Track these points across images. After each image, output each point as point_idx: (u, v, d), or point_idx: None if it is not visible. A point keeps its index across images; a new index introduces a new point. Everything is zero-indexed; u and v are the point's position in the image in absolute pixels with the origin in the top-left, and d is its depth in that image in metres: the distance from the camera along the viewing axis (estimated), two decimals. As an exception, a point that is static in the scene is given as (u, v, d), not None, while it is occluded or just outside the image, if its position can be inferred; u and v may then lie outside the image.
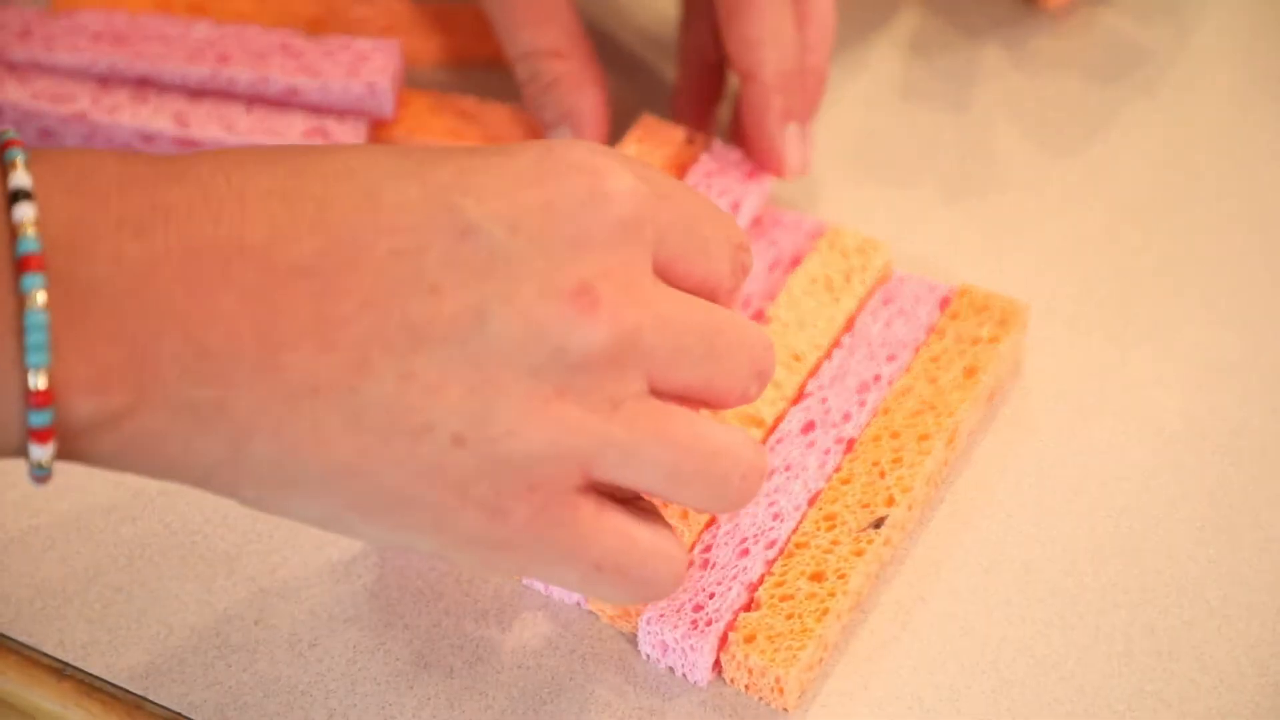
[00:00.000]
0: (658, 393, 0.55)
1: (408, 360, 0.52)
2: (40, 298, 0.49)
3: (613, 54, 0.84)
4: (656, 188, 0.56)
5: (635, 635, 0.64)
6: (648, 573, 0.56)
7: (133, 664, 0.64)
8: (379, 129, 0.78)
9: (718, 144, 0.75)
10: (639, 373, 0.54)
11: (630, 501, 0.56)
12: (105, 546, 0.67)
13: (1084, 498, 0.69)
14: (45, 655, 0.65)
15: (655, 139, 0.75)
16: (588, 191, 0.53)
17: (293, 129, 0.76)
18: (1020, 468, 0.70)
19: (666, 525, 0.57)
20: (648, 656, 0.64)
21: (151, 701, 0.63)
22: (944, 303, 0.72)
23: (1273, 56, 0.85)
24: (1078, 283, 0.76)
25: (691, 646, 0.62)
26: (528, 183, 0.53)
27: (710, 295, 0.57)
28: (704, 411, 0.59)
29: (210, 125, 0.75)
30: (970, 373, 0.70)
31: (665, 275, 0.56)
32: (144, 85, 0.76)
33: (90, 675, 0.64)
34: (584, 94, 0.74)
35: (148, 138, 0.75)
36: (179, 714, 0.63)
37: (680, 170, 0.74)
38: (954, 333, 0.71)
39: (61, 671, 0.64)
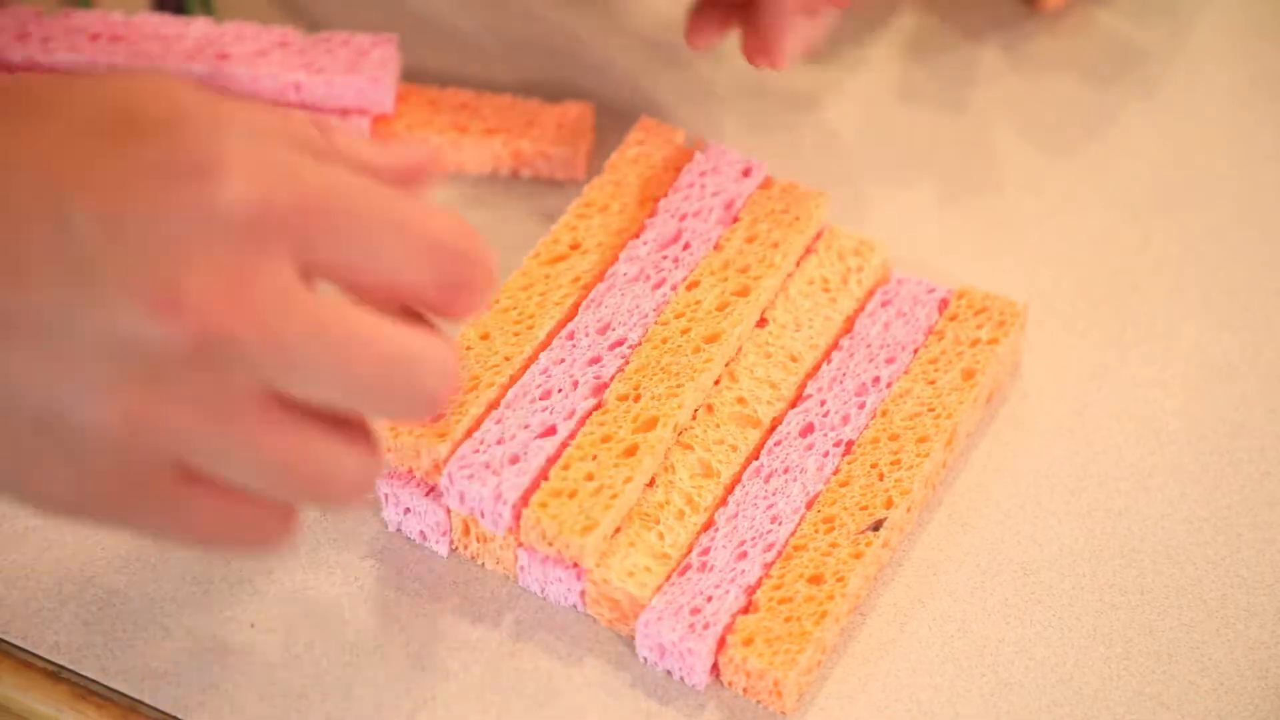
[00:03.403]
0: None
1: None
2: None
3: (613, 54, 0.84)
4: (303, 184, 0.54)
5: (633, 638, 0.64)
6: (243, 540, 0.56)
7: (128, 667, 0.64)
8: (379, 124, 0.78)
9: (713, 144, 0.75)
10: (243, 377, 0.53)
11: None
12: (101, 549, 0.67)
13: (1082, 499, 0.69)
14: (40, 658, 0.64)
15: (655, 140, 0.75)
16: (203, 197, 0.52)
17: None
18: (1018, 469, 0.70)
19: (256, 500, 0.56)
20: (645, 659, 0.64)
21: (147, 705, 0.63)
22: (942, 305, 0.72)
23: (1270, 57, 0.85)
24: (1076, 284, 0.76)
25: (689, 649, 0.62)
26: (142, 177, 0.53)
27: (411, 304, 0.56)
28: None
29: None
30: (969, 374, 0.69)
31: (338, 280, 0.54)
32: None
33: (85, 678, 0.64)
34: None
35: None
36: (174, 717, 0.63)
37: (675, 169, 0.74)
38: (952, 334, 0.71)
39: (56, 675, 0.64)
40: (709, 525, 0.65)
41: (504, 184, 0.79)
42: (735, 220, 0.72)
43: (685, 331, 0.69)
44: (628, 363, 0.68)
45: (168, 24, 0.77)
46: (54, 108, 0.54)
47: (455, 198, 0.78)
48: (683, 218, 0.72)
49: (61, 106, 0.54)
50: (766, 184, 0.74)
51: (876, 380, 0.69)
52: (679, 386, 0.67)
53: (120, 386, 0.53)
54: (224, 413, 0.53)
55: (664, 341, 0.68)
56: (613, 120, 0.81)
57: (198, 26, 0.77)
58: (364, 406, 0.54)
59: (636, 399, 0.67)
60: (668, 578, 0.64)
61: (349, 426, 0.55)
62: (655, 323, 0.69)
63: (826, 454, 0.67)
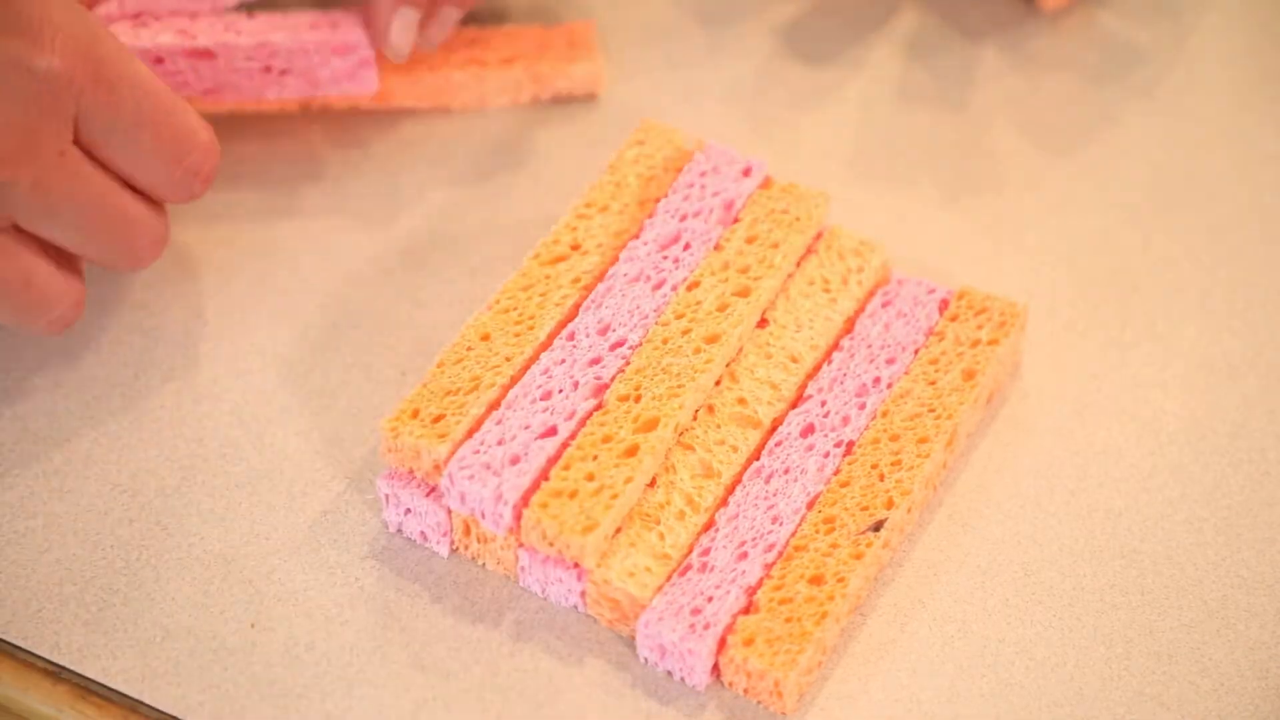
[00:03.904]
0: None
1: None
2: None
3: (611, 53, 0.84)
4: (100, 70, 0.65)
5: (634, 638, 0.64)
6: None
7: (128, 667, 0.64)
8: (395, 70, 0.80)
9: (712, 144, 0.75)
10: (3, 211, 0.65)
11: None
12: (101, 549, 0.67)
13: (1083, 499, 0.69)
14: (40, 658, 0.64)
15: (655, 140, 0.75)
16: (22, 55, 0.63)
17: (301, 22, 0.76)
18: (1019, 469, 0.70)
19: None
20: (646, 660, 0.64)
21: (147, 705, 0.63)
22: (943, 305, 0.72)
23: (1270, 57, 0.85)
24: (1076, 284, 0.76)
25: (690, 650, 0.62)
26: None
27: (149, 194, 0.68)
28: None
29: (216, 31, 0.75)
30: (969, 375, 0.69)
31: (94, 156, 0.66)
32: (140, 18, 0.76)
33: (86, 678, 0.64)
34: None
35: (158, 59, 0.74)
36: (175, 717, 0.63)
37: (676, 169, 0.74)
38: (953, 335, 0.71)
39: (57, 675, 0.64)
40: (709, 526, 0.65)
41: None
42: (735, 221, 0.72)
43: (686, 332, 0.69)
44: (628, 363, 0.68)
45: None
46: None
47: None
48: (683, 218, 0.72)
49: None
50: (766, 184, 0.74)
51: (877, 381, 0.69)
52: (680, 387, 0.67)
53: None
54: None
55: (665, 342, 0.68)
56: (613, 121, 0.81)
57: None
58: (86, 254, 0.67)
59: (637, 399, 0.67)
60: (668, 578, 0.64)
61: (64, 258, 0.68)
62: (656, 323, 0.69)
63: (827, 454, 0.67)
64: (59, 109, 0.64)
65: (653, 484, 0.66)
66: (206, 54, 0.75)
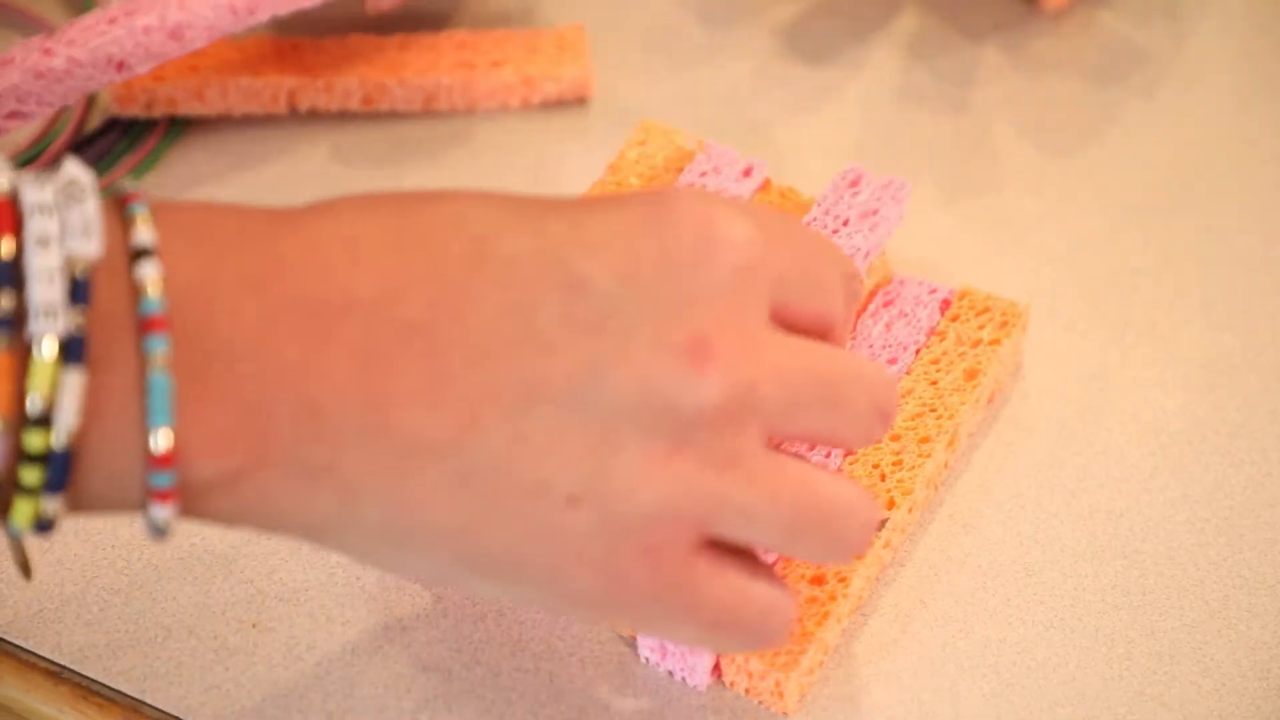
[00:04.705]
0: (775, 444, 0.54)
1: (518, 419, 0.51)
2: (162, 359, 0.48)
3: (614, 55, 0.84)
4: (770, 230, 0.54)
5: (634, 639, 0.64)
6: (762, 627, 0.55)
7: (130, 667, 0.64)
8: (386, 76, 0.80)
9: (713, 144, 0.75)
10: (756, 427, 0.52)
11: (741, 553, 0.55)
12: (102, 549, 0.67)
13: (1084, 499, 0.69)
14: (42, 658, 0.64)
15: (655, 140, 0.75)
16: (701, 240, 0.52)
17: None
18: (1020, 470, 0.70)
19: (776, 577, 0.56)
20: (647, 660, 0.64)
21: (149, 705, 0.63)
22: (944, 305, 0.72)
23: (1271, 58, 0.85)
24: (1077, 284, 0.76)
25: (691, 650, 0.62)
26: (640, 233, 0.52)
27: (824, 331, 0.56)
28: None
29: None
30: (970, 375, 0.69)
31: (780, 318, 0.55)
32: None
33: (87, 678, 0.64)
34: None
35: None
36: (176, 717, 0.63)
37: (676, 170, 0.74)
38: (954, 335, 0.71)
39: (58, 675, 0.64)
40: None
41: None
42: None
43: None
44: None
45: None
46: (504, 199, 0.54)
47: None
48: (684, 218, 0.72)
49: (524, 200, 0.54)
50: (765, 187, 0.74)
51: (878, 381, 0.69)
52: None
53: (655, 449, 0.51)
54: (747, 467, 0.52)
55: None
56: (613, 122, 0.81)
57: None
58: (840, 429, 0.55)
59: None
60: None
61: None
62: None
63: (828, 454, 0.67)
64: (755, 294, 0.53)
65: None
66: (182, 30, 0.74)
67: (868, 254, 0.70)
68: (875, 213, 0.70)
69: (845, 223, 0.70)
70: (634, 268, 0.52)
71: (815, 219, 0.70)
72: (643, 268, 0.52)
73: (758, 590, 0.55)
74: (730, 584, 0.54)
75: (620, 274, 0.52)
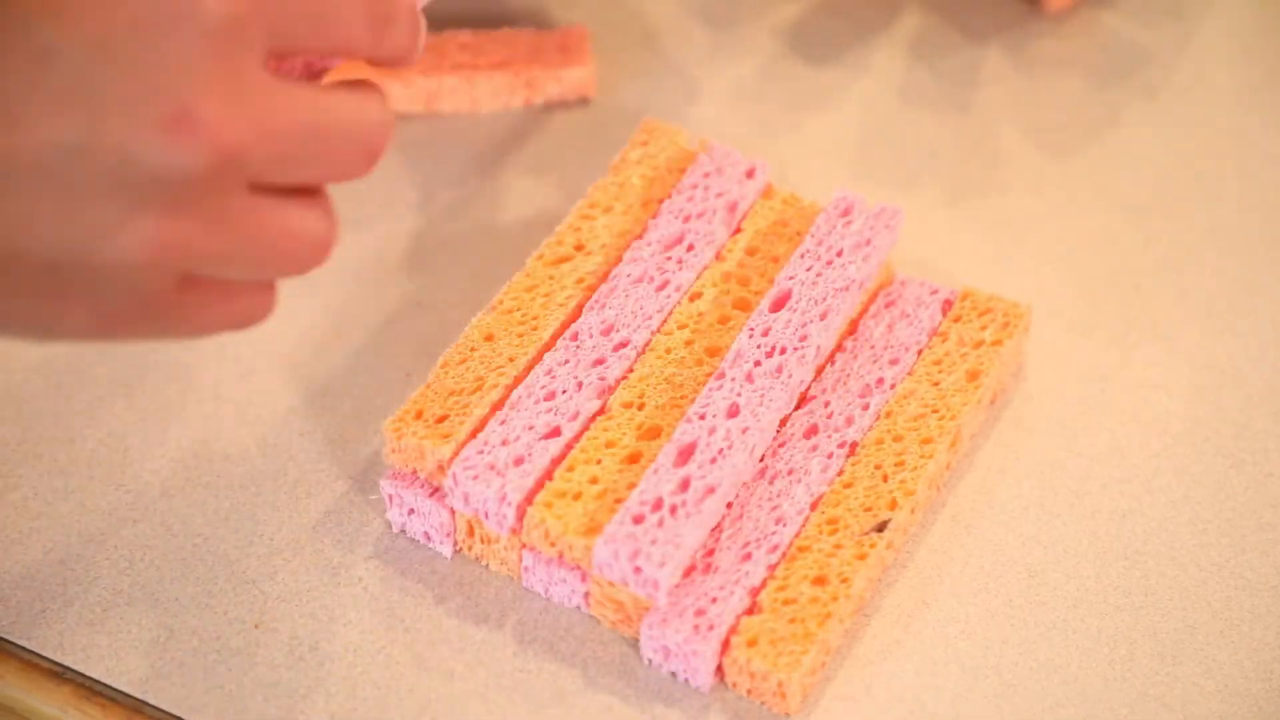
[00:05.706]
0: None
1: None
2: None
3: (613, 54, 0.84)
4: None
5: (637, 640, 0.64)
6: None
7: (132, 667, 0.64)
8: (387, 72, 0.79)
9: (716, 145, 0.75)
10: (241, 181, 0.53)
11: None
12: (105, 550, 0.67)
13: (1086, 500, 0.69)
14: (45, 659, 0.64)
15: (658, 141, 0.75)
16: (183, 8, 0.51)
17: None
18: (1022, 470, 0.70)
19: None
20: (650, 661, 0.64)
21: (151, 705, 0.63)
22: (946, 306, 0.72)
23: (1273, 59, 0.85)
24: (1079, 285, 0.76)
25: (694, 651, 0.62)
26: (116, 1, 0.51)
27: (348, 58, 0.57)
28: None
29: None
30: (973, 376, 0.69)
31: (292, 63, 0.56)
32: None
33: (90, 679, 0.64)
34: None
35: None
36: (178, 717, 0.63)
37: (679, 170, 0.74)
38: (956, 336, 0.71)
39: (61, 675, 0.64)
40: (715, 526, 0.65)
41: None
42: (738, 230, 0.72)
43: (689, 343, 0.69)
44: (632, 369, 0.68)
45: None
46: None
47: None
48: (686, 219, 0.72)
49: None
50: (768, 192, 0.74)
51: (880, 381, 0.69)
52: (681, 398, 0.67)
53: (137, 218, 0.52)
54: (230, 221, 0.53)
55: (668, 352, 0.68)
56: (613, 122, 0.81)
57: None
58: (329, 175, 0.56)
59: (640, 407, 0.67)
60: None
61: (306, 190, 0.56)
62: (659, 331, 0.69)
63: (831, 455, 0.67)
64: (242, 46, 0.53)
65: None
66: None
67: (862, 284, 0.70)
68: (868, 243, 0.70)
69: (839, 253, 0.70)
70: (106, 35, 0.51)
71: (808, 250, 0.70)
72: (116, 35, 0.51)
73: (229, 301, 0.56)
74: (210, 301, 0.55)
75: (91, 42, 0.51)
